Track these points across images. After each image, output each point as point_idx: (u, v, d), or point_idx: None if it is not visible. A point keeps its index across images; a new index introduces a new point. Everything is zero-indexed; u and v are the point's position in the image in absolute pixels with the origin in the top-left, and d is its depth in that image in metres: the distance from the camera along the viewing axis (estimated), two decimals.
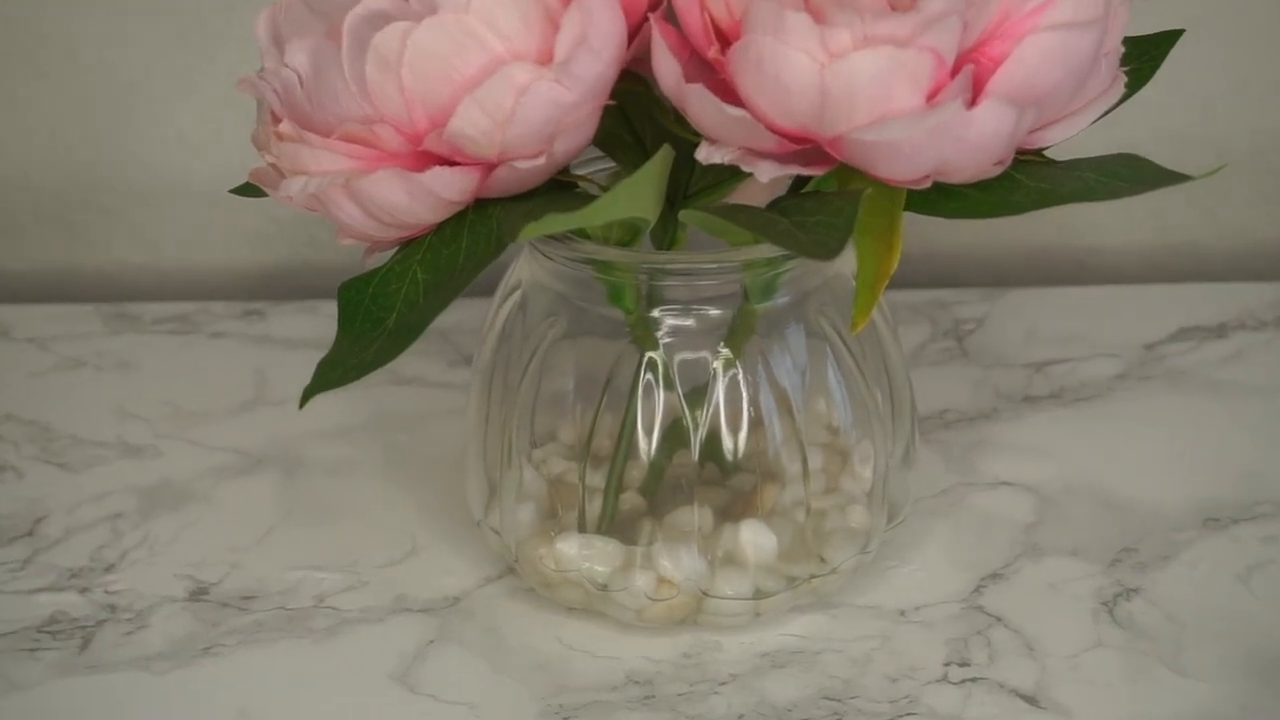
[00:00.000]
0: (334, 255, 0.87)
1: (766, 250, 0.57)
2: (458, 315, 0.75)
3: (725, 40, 0.51)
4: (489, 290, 0.65)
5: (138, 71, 0.84)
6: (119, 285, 0.88)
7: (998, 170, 0.51)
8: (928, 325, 0.80)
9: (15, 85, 0.84)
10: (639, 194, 0.52)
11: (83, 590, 0.65)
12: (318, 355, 0.53)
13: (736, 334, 0.60)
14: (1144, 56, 0.57)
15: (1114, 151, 0.55)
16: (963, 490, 0.69)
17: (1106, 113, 0.53)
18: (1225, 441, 0.72)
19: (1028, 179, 0.52)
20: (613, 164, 0.60)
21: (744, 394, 0.60)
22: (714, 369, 0.60)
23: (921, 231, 0.84)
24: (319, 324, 0.82)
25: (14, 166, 0.86)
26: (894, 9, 0.49)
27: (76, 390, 0.78)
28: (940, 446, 0.72)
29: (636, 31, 0.52)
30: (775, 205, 0.53)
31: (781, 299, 0.60)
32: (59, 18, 0.83)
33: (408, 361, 0.76)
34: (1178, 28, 0.58)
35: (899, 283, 0.82)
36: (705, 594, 0.61)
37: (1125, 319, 0.80)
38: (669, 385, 0.60)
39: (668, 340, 0.60)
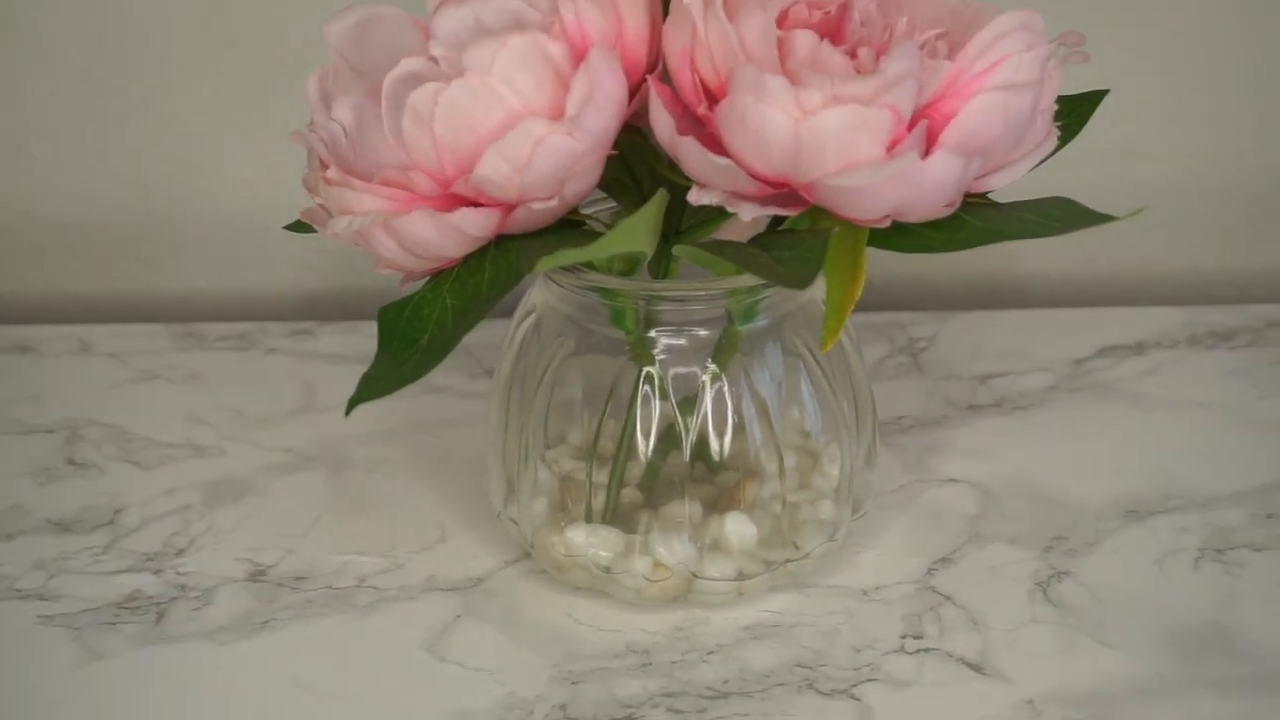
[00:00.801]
0: (373, 282, 0.87)
1: (748, 280, 0.57)
2: (480, 334, 0.74)
3: (713, 99, 0.51)
4: (508, 312, 0.65)
5: (204, 126, 0.84)
6: (187, 308, 0.88)
7: (948, 211, 0.51)
8: (886, 343, 0.80)
9: (102, 138, 0.84)
10: (638, 232, 0.52)
11: (156, 572, 0.65)
12: (359, 369, 0.53)
13: (722, 351, 0.59)
14: (1073, 113, 0.57)
15: (1047, 195, 0.55)
16: (917, 486, 0.69)
17: (1041, 162, 0.53)
18: (1142, 445, 0.72)
19: (974, 219, 0.52)
20: (615, 204, 0.60)
21: (729, 403, 0.60)
22: (703, 381, 0.60)
23: (881, 262, 0.83)
24: (360, 342, 0.82)
25: (97, 207, 0.86)
26: (859, 72, 0.49)
27: (150, 399, 0.77)
28: (897, 449, 0.72)
29: (636, 90, 0.52)
30: (756, 241, 0.53)
31: (761, 321, 0.60)
32: (139, 80, 0.83)
33: (437, 373, 0.75)
34: (1103, 88, 0.58)
35: (861, 307, 0.82)
36: (695, 576, 0.61)
37: (1056, 339, 0.80)
38: (664, 396, 0.60)
39: (663, 357, 0.60)
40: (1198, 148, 0.84)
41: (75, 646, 0.60)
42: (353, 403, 0.52)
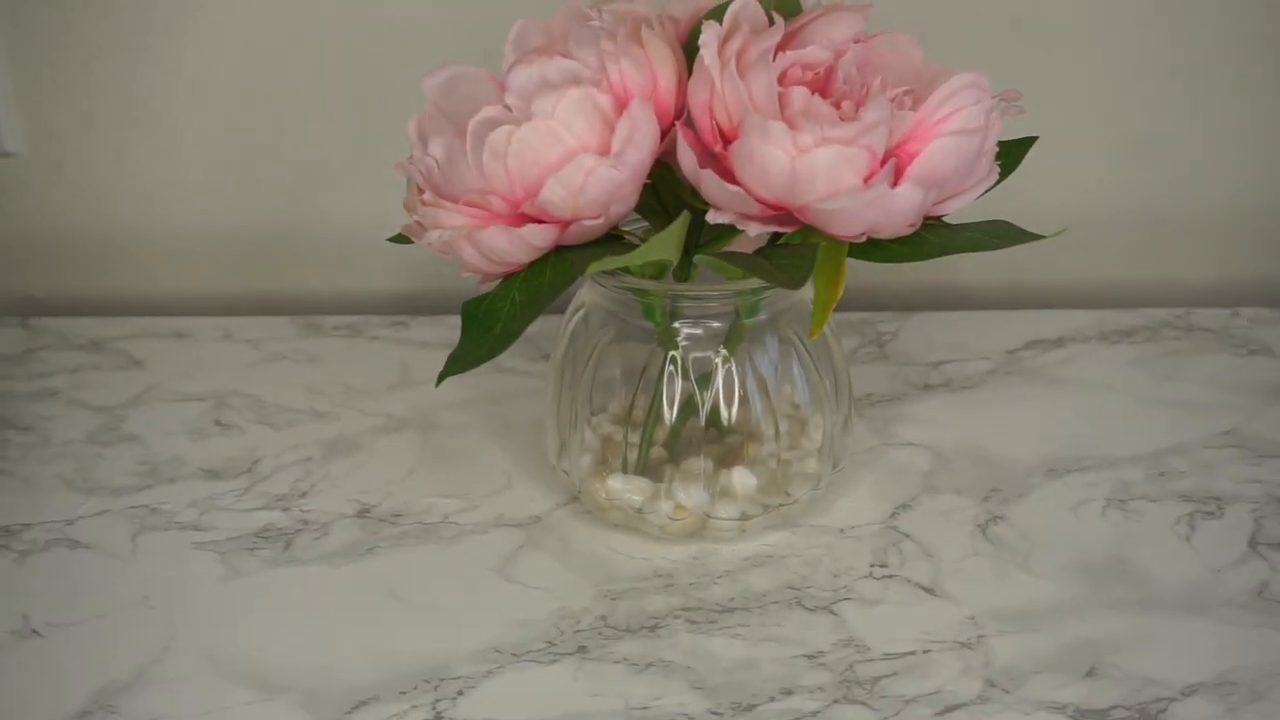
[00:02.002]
0: (453, 284, 0.85)
1: (752, 283, 0.57)
2: (537, 326, 0.73)
3: (726, 140, 0.51)
4: (560, 309, 0.64)
5: (321, 160, 0.83)
6: (307, 303, 0.87)
7: (911, 230, 0.51)
8: (859, 336, 0.79)
9: (241, 169, 0.84)
10: (667, 244, 0.52)
11: (285, 509, 0.64)
12: (444, 352, 0.53)
13: (731, 339, 0.59)
14: (1010, 155, 0.56)
15: (989, 219, 0.55)
16: (882, 449, 0.68)
17: (985, 192, 0.53)
18: (1061, 417, 0.71)
19: (932, 236, 0.52)
20: (647, 224, 0.59)
21: (736, 381, 0.60)
22: (716, 364, 0.59)
23: (855, 272, 0.82)
24: (445, 332, 0.81)
25: (239, 222, 0.85)
26: (842, 120, 0.49)
27: (279, 375, 0.77)
28: (867, 419, 0.71)
29: (666, 133, 0.53)
30: (759, 252, 0.53)
31: (762, 316, 0.59)
32: (271, 123, 0.82)
33: (504, 356, 0.74)
34: (1034, 135, 0.58)
35: (839, 307, 0.81)
36: (708, 516, 0.60)
37: (993, 334, 0.79)
38: (685, 375, 0.60)
39: (684, 344, 0.60)
40: (1111, 179, 0.83)
41: (222, 566, 0.60)
42: (442, 376, 0.53)
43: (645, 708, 0.52)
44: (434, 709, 0.52)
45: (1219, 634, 0.55)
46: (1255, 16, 0.79)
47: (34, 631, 0.57)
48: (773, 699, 0.52)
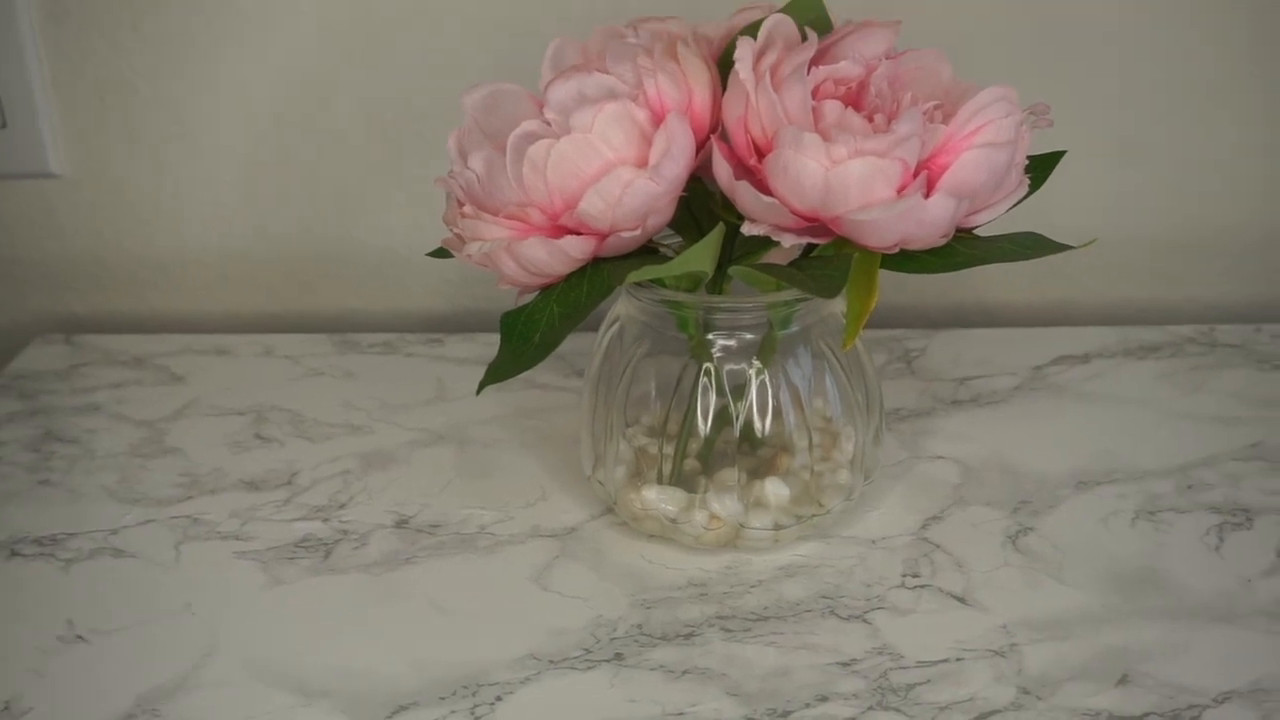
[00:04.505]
0: (486, 304, 0.86)
1: (786, 295, 0.57)
2: (571, 344, 0.75)
3: (761, 153, 0.51)
4: (593, 327, 0.64)
5: (355, 182, 0.84)
6: (344, 321, 0.88)
7: (944, 241, 0.51)
8: (887, 353, 0.79)
9: (278, 191, 0.84)
10: (702, 256, 0.52)
11: (324, 520, 0.65)
12: (478, 369, 0.53)
13: (765, 351, 0.59)
14: (1040, 168, 0.57)
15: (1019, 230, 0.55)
16: (912, 461, 0.68)
17: (1016, 204, 0.53)
18: (1089, 431, 0.71)
19: (964, 247, 0.52)
20: (680, 239, 0.59)
21: (769, 393, 0.59)
22: (749, 375, 0.59)
23: (885, 292, 0.83)
24: (478, 349, 0.81)
25: (274, 245, 0.86)
26: (875, 132, 0.49)
27: (317, 390, 0.77)
28: (897, 433, 0.71)
29: (702, 145, 0.53)
30: (793, 264, 0.54)
31: (795, 328, 0.59)
32: (307, 146, 0.83)
33: (539, 373, 0.77)
34: (1063, 148, 0.58)
35: (870, 325, 0.81)
36: (742, 526, 0.60)
37: (1020, 351, 0.79)
38: (719, 387, 0.59)
39: (718, 355, 0.59)
40: (1135, 204, 0.83)
41: (263, 575, 0.61)
42: (482, 385, 0.53)
43: (681, 714, 0.52)
44: (473, 714, 0.52)
45: (1251, 642, 0.55)
46: None
47: (79, 637, 0.57)
48: (808, 705, 0.52)
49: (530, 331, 0.53)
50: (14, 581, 0.60)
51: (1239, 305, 0.85)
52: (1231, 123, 0.81)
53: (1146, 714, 0.51)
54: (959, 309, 0.86)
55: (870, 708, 0.52)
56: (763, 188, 0.50)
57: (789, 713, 0.52)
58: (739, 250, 0.57)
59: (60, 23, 0.80)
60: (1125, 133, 0.81)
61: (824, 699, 0.52)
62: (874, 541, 0.62)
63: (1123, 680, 0.53)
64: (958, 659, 0.54)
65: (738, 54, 0.51)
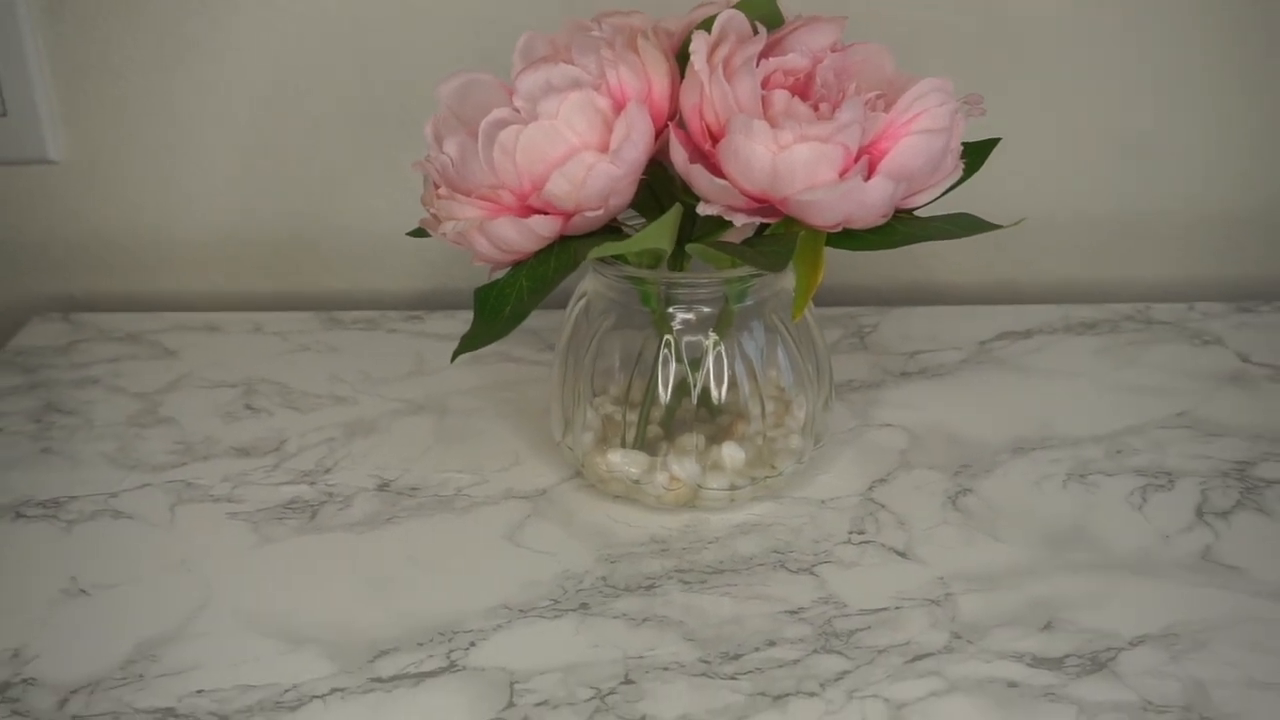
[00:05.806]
0: (462, 282, 0.87)
1: (741, 271, 0.58)
2: (542, 320, 0.76)
3: (714, 138, 0.53)
4: (561, 303, 0.66)
5: (339, 168, 0.84)
6: (329, 300, 0.88)
7: (883, 220, 0.53)
8: (842, 329, 0.80)
9: (266, 176, 0.85)
10: (659, 234, 0.53)
11: (311, 483, 0.66)
12: (456, 343, 0.55)
13: (721, 324, 0.61)
14: (975, 154, 0.58)
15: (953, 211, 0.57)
16: (862, 429, 0.70)
17: (951, 188, 0.55)
18: (1028, 401, 0.72)
19: (902, 226, 0.54)
20: (643, 220, 0.60)
21: (725, 363, 0.61)
22: (707, 347, 0.61)
23: (840, 272, 0.84)
24: (457, 325, 0.82)
25: (263, 228, 0.86)
26: (820, 119, 0.51)
27: (304, 364, 0.78)
28: (849, 403, 0.72)
29: (660, 132, 0.54)
30: (746, 242, 0.55)
31: (749, 302, 0.60)
32: (295, 134, 0.83)
33: (514, 347, 0.78)
34: (996, 136, 0.59)
35: (824, 303, 0.83)
36: (700, 487, 0.62)
37: (967, 326, 0.81)
38: (679, 358, 0.61)
39: (678, 328, 0.61)
40: (1075, 184, 0.84)
41: (253, 534, 0.62)
42: (456, 353, 0.54)
43: (641, 657, 0.54)
44: (448, 658, 0.54)
45: (1166, 592, 0.57)
46: (1221, 19, 0.79)
47: (82, 591, 0.59)
48: (757, 649, 0.54)
49: (501, 304, 0.54)
50: (20, 541, 0.62)
51: (1175, 284, 0.87)
52: (1171, 107, 0.82)
53: (1067, 655, 0.53)
54: (911, 288, 0.87)
55: (814, 651, 0.54)
56: (716, 171, 0.52)
57: (740, 655, 0.54)
58: (698, 231, 0.58)
59: (57, 14, 0.81)
60: (1067, 117, 0.82)
61: (772, 644, 0.55)
62: (823, 501, 0.64)
63: (1047, 626, 0.55)
64: (897, 608, 0.56)
65: (693, 46, 0.52)
